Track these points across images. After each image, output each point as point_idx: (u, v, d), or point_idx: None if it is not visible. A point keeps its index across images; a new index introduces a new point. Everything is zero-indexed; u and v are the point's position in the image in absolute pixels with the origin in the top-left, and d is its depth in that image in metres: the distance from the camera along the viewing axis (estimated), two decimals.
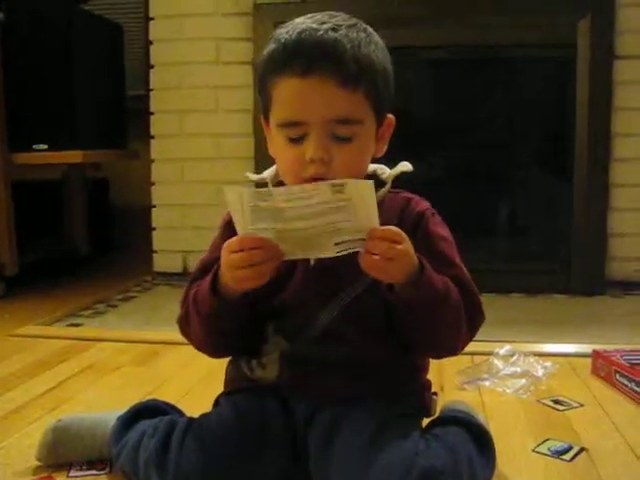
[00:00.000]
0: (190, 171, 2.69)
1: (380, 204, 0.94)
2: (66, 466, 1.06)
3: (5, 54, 2.39)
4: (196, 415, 0.98)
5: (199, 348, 1.00)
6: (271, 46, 0.91)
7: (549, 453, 1.12)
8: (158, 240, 2.74)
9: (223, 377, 1.05)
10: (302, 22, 0.90)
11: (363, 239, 0.81)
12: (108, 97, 2.82)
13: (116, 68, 2.91)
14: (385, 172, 1.00)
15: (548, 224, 2.57)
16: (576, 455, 1.11)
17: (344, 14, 0.92)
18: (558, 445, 1.14)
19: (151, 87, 2.70)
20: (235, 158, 2.61)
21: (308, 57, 0.86)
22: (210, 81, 2.64)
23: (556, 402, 1.36)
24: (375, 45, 0.91)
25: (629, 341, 1.71)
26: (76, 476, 1.04)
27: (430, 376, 1.05)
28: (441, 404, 1.10)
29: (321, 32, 0.87)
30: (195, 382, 1.49)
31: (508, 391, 1.41)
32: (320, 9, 0.93)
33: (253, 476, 0.92)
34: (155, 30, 2.67)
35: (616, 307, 2.23)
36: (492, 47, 2.47)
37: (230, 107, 2.63)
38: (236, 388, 1.01)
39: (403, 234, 0.83)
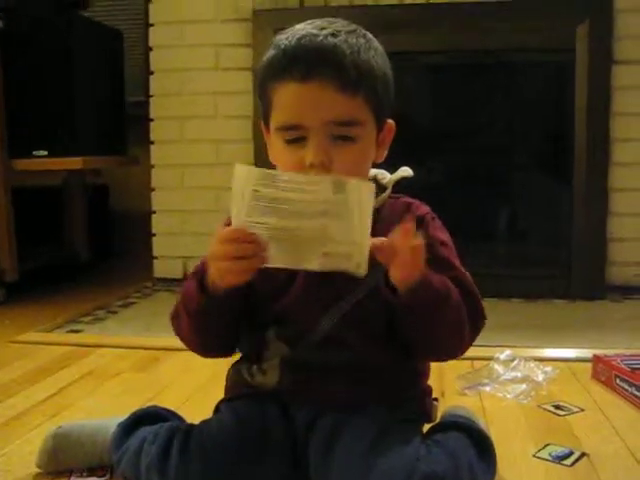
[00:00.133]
0: (190, 177, 2.69)
1: (381, 209, 0.95)
2: (67, 473, 1.06)
3: (5, 60, 2.40)
4: (197, 421, 0.98)
5: (189, 346, 0.99)
6: (271, 52, 0.92)
7: (550, 458, 1.12)
8: (158, 246, 2.74)
9: (223, 383, 1.05)
10: (302, 28, 0.90)
11: (350, 255, 0.81)
12: (108, 103, 2.82)
13: (116, 74, 2.91)
14: (386, 177, 1.01)
15: (548, 229, 2.57)
16: (577, 460, 1.11)
17: (343, 20, 0.93)
18: (559, 450, 1.14)
19: (151, 93, 2.71)
20: (235, 164, 2.60)
21: (307, 63, 0.87)
22: (210, 87, 2.64)
23: (557, 407, 1.36)
24: (375, 51, 0.92)
25: (629, 346, 1.71)
26: None
27: (431, 381, 1.05)
28: (442, 409, 1.10)
29: (320, 38, 0.87)
30: (195, 388, 1.49)
31: (509, 396, 1.41)
32: (319, 15, 0.93)
33: None
34: (155, 36, 2.68)
35: (616, 312, 2.23)
36: (491, 52, 2.48)
37: (230, 113, 2.63)
38: (236, 394, 1.01)
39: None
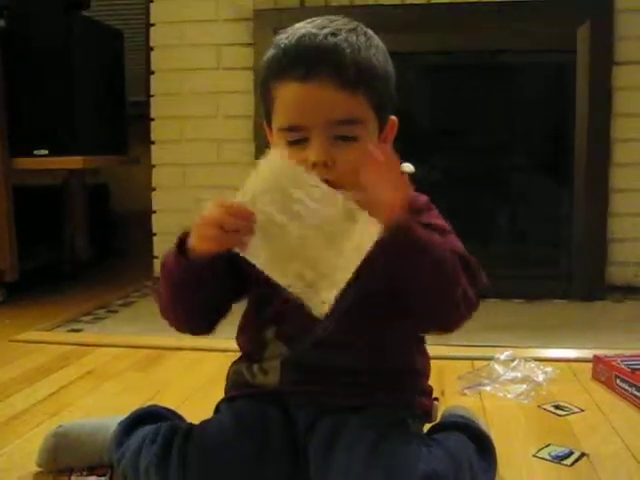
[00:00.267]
0: (191, 177, 2.69)
1: None
2: (67, 472, 1.06)
3: (6, 60, 2.40)
4: (197, 421, 0.98)
5: (163, 315, 0.97)
6: (271, 51, 0.92)
7: (550, 458, 1.12)
8: (158, 245, 2.73)
9: (223, 383, 1.05)
10: (302, 27, 0.90)
11: (319, 290, 0.79)
12: (109, 103, 2.82)
13: (117, 74, 2.91)
14: None
15: (548, 229, 2.57)
16: (577, 460, 1.11)
17: (344, 18, 0.92)
18: (559, 450, 1.14)
19: (152, 93, 2.71)
20: (236, 163, 2.61)
21: (308, 62, 0.86)
22: (210, 87, 2.64)
23: (557, 407, 1.36)
24: (375, 48, 0.91)
25: (630, 346, 1.71)
26: None
27: (431, 381, 1.05)
28: (442, 409, 1.10)
29: (321, 37, 0.87)
30: (196, 388, 1.49)
31: (509, 396, 1.41)
32: (320, 14, 0.93)
33: None
34: (156, 36, 2.68)
35: (616, 312, 2.23)
36: (492, 52, 2.48)
37: (231, 112, 2.63)
38: (237, 394, 1.01)
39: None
